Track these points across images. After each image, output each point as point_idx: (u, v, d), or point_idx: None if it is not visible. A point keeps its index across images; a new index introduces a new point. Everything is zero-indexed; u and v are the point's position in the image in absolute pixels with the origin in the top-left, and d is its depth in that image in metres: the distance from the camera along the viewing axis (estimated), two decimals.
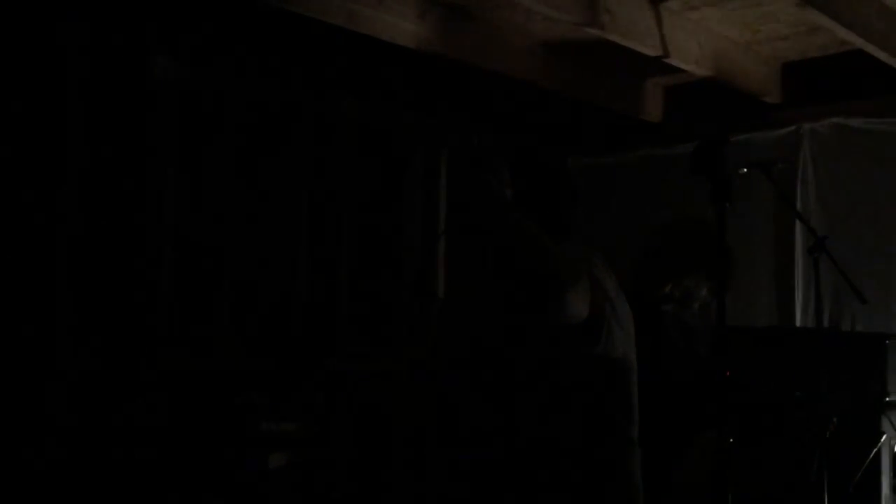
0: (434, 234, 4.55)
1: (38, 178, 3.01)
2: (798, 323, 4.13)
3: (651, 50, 3.58)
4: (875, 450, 3.11)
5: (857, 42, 3.44)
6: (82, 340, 3.06)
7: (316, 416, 3.43)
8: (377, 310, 4.43)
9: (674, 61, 3.70)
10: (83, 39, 3.09)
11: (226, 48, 3.66)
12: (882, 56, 3.57)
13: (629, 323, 1.78)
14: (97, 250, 3.15)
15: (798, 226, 4.10)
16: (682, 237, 2.39)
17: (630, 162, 4.79)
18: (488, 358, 1.76)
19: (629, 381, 1.77)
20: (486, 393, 1.75)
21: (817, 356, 3.21)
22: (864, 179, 4.03)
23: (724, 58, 3.95)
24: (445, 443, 1.83)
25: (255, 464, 3.11)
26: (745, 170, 3.15)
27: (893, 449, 3.18)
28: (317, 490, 3.28)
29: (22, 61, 2.96)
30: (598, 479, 1.73)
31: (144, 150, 3.38)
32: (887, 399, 3.16)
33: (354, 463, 3.47)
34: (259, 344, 3.84)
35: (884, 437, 3.16)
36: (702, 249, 2.31)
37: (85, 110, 3.12)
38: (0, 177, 2.91)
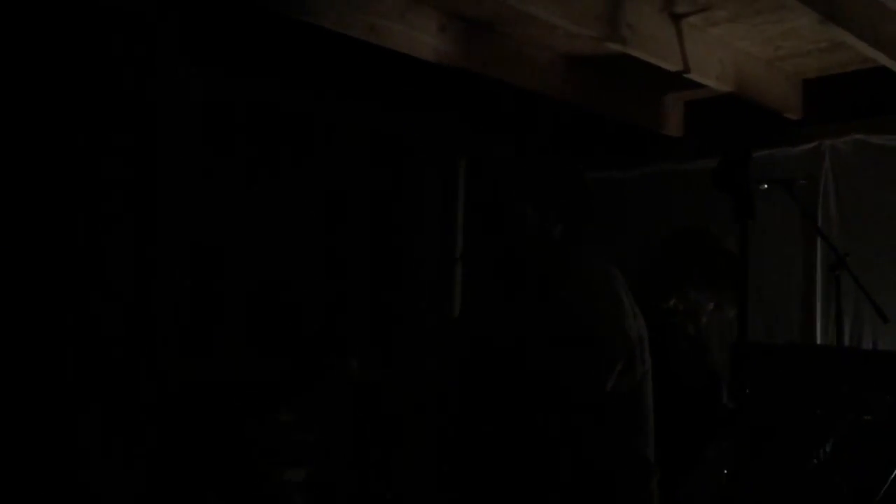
0: (451, 241, 4.57)
1: (51, 181, 3.02)
2: (819, 340, 4.10)
3: (672, 65, 3.58)
4: None
5: (880, 59, 3.42)
6: (91, 346, 3.08)
7: (324, 423, 3.44)
8: (391, 319, 4.44)
9: (695, 77, 3.69)
10: (100, 43, 3.12)
11: (244, 56, 3.69)
12: None
13: (646, 342, 1.79)
14: (107, 253, 3.16)
15: (819, 243, 4.07)
16: (686, 249, 2.37)
17: (650, 176, 4.77)
18: (503, 382, 1.76)
19: (645, 406, 1.78)
20: (498, 416, 1.75)
21: (838, 374, 3.18)
22: (887, 196, 3.99)
23: (746, 73, 3.94)
24: (456, 459, 1.83)
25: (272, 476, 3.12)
26: (766, 186, 3.14)
27: None
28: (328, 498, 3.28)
29: (31, 60, 2.96)
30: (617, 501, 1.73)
31: (158, 153, 3.40)
32: None
33: (361, 468, 3.47)
34: (271, 350, 3.86)
35: None
36: (706, 262, 2.30)
37: (99, 114, 3.14)
38: (7, 177, 2.92)
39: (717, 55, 3.78)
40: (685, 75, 3.67)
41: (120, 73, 3.11)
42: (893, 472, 3.03)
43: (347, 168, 4.31)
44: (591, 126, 4.66)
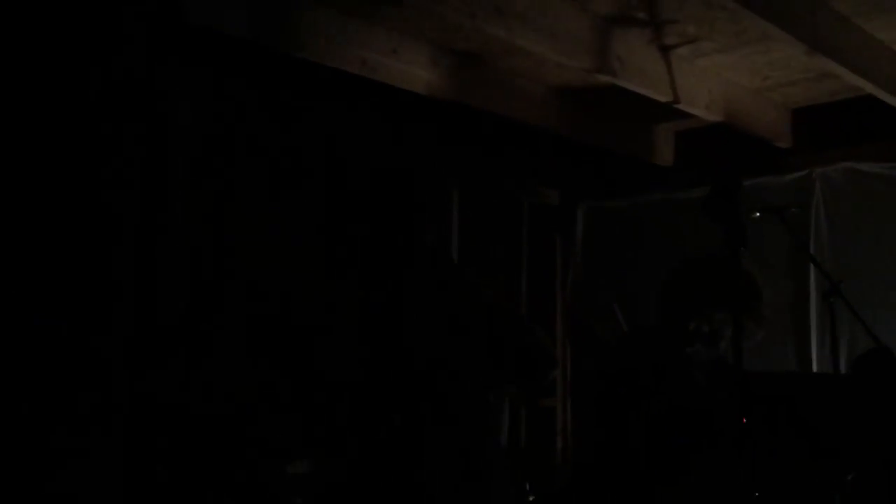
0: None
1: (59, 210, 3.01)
2: (815, 368, 4.09)
3: (662, 96, 3.61)
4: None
5: (868, 88, 3.46)
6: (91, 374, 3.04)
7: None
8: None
9: (684, 107, 3.73)
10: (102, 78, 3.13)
11: (242, 92, 3.71)
12: (892, 101, 3.59)
13: None
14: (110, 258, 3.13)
15: (812, 270, 4.08)
16: (710, 271, 2.34)
17: (643, 206, 4.79)
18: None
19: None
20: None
21: (834, 402, 3.16)
22: (878, 223, 4.01)
23: (735, 103, 3.98)
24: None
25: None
26: (759, 214, 3.15)
27: None
28: None
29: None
30: None
31: (159, 189, 3.40)
32: None
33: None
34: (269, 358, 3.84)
35: None
36: (729, 284, 2.27)
37: (106, 127, 3.13)
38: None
39: (706, 85, 3.82)
40: (675, 106, 3.70)
41: (125, 96, 3.12)
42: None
43: (343, 195, 4.31)
44: (584, 156, 4.69)
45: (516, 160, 4.69)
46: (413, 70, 3.50)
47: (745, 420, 1.90)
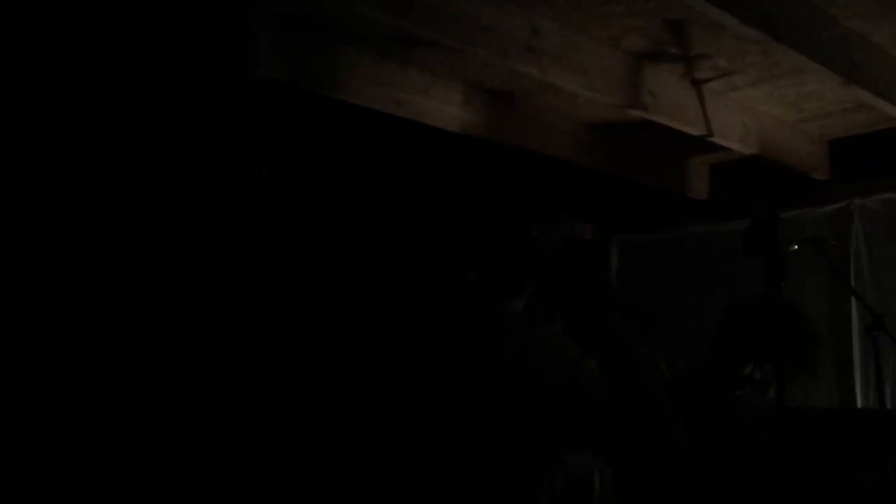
0: None
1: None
2: (859, 404, 3.99)
3: (695, 129, 3.61)
4: None
5: None
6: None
7: None
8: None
9: (718, 140, 3.71)
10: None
11: (278, 135, 3.77)
12: None
13: None
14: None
15: (854, 303, 4.00)
16: (767, 314, 2.27)
17: (677, 239, 4.76)
18: None
19: None
20: None
21: (881, 439, 3.08)
22: None
23: (770, 136, 3.96)
24: None
25: None
26: (797, 247, 3.11)
27: None
28: None
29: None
30: None
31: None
32: None
33: None
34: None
35: None
36: (789, 333, 2.20)
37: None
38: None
39: (739, 118, 3.81)
40: (708, 139, 3.69)
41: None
42: None
43: (380, 239, 4.34)
44: (617, 191, 4.68)
45: (549, 195, 4.69)
46: (446, 108, 3.54)
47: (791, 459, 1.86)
